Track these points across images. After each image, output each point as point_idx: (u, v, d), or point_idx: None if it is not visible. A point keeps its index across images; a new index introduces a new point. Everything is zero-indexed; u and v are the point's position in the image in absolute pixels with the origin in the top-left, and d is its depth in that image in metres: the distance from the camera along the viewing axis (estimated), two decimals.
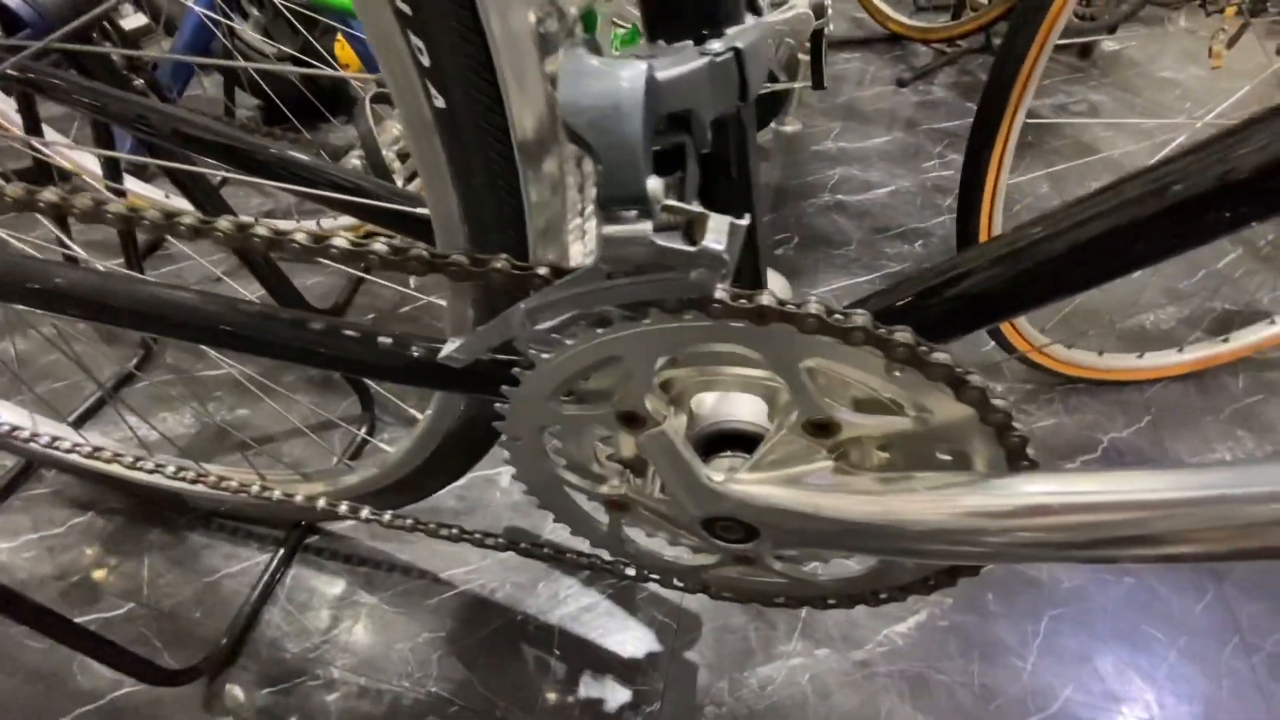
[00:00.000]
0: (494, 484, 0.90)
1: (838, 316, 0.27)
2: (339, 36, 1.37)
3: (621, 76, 0.23)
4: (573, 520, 0.48)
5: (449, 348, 0.36)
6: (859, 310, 0.28)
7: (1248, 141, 0.27)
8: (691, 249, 0.25)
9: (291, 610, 0.78)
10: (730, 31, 0.27)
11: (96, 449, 0.69)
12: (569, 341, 0.32)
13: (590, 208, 0.37)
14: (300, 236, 0.31)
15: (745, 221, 0.26)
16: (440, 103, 0.32)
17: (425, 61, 0.31)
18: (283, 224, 0.36)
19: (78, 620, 0.62)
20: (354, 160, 0.82)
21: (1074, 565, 0.82)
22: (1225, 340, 1.02)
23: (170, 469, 0.64)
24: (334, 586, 0.81)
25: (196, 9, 1.04)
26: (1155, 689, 0.73)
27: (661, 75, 0.25)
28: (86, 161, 1.06)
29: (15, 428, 0.65)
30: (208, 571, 0.81)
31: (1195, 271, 1.22)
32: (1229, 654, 0.76)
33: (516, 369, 0.36)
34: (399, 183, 0.85)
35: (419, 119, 0.34)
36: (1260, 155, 0.26)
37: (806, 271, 1.26)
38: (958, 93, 1.81)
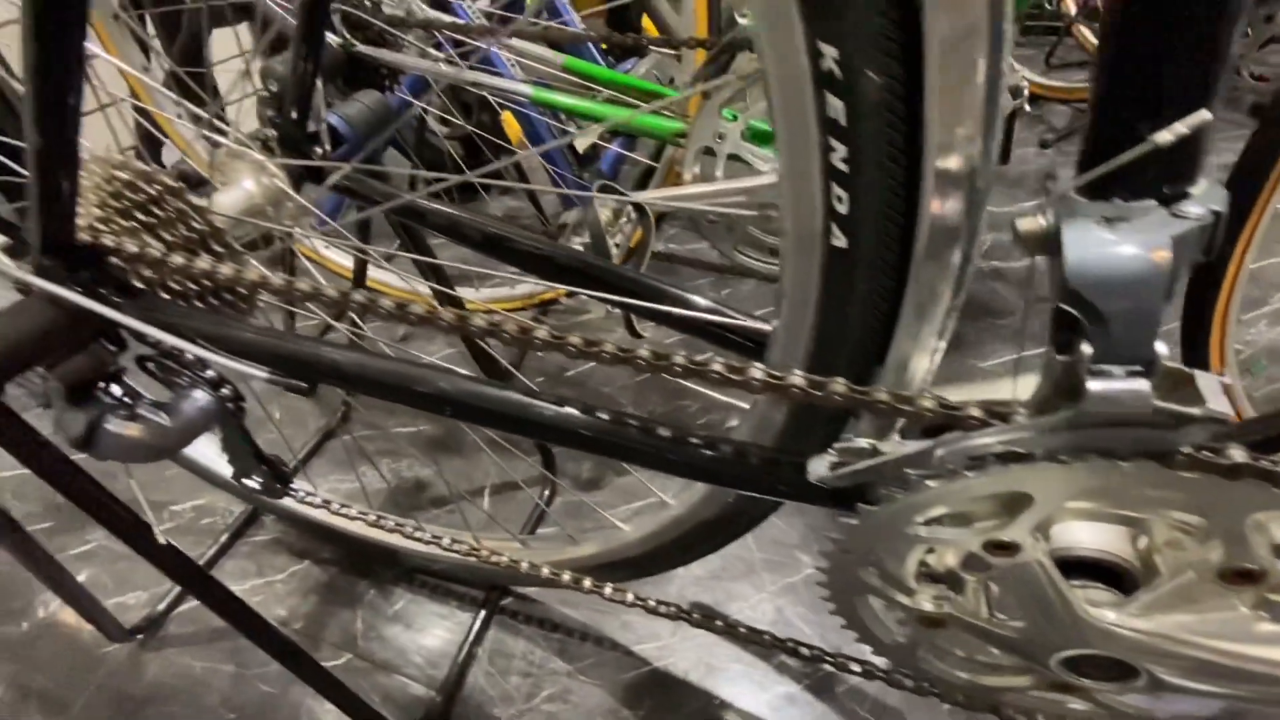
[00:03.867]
0: None
1: None
2: (505, 114, 1.49)
3: (1149, 249, 0.24)
4: (864, 628, 0.47)
5: (819, 468, 0.36)
6: None
7: None
8: (1196, 411, 0.25)
9: (494, 673, 0.81)
10: (1195, 191, 0.28)
11: (343, 505, 0.74)
12: (970, 474, 0.33)
13: (946, 336, 0.38)
14: (719, 367, 0.34)
15: (1233, 381, 0.26)
16: (841, 243, 0.34)
17: (842, 209, 0.33)
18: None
19: None
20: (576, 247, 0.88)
21: None
22: None
23: (422, 535, 0.68)
24: (530, 652, 0.82)
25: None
26: None
27: None
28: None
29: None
30: (414, 628, 0.85)
31: None
32: None
33: (885, 489, 0.36)
34: None
35: (808, 252, 0.36)
36: None
37: (971, 343, 1.23)
38: None
